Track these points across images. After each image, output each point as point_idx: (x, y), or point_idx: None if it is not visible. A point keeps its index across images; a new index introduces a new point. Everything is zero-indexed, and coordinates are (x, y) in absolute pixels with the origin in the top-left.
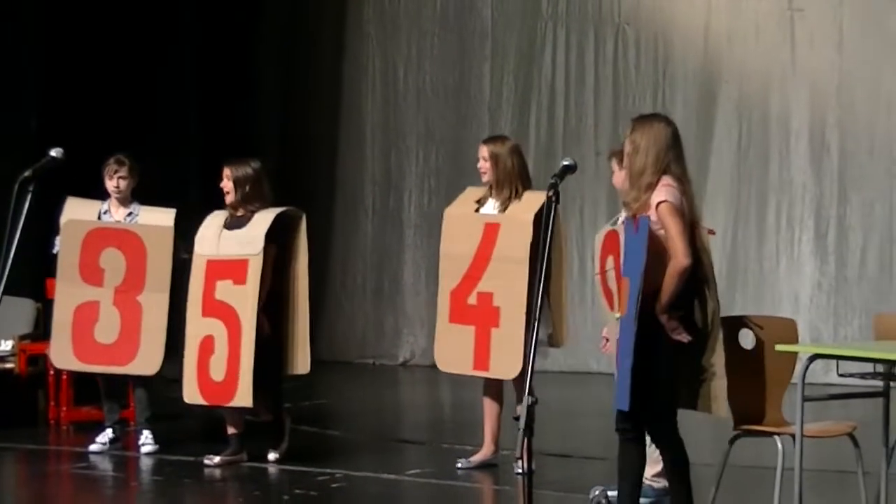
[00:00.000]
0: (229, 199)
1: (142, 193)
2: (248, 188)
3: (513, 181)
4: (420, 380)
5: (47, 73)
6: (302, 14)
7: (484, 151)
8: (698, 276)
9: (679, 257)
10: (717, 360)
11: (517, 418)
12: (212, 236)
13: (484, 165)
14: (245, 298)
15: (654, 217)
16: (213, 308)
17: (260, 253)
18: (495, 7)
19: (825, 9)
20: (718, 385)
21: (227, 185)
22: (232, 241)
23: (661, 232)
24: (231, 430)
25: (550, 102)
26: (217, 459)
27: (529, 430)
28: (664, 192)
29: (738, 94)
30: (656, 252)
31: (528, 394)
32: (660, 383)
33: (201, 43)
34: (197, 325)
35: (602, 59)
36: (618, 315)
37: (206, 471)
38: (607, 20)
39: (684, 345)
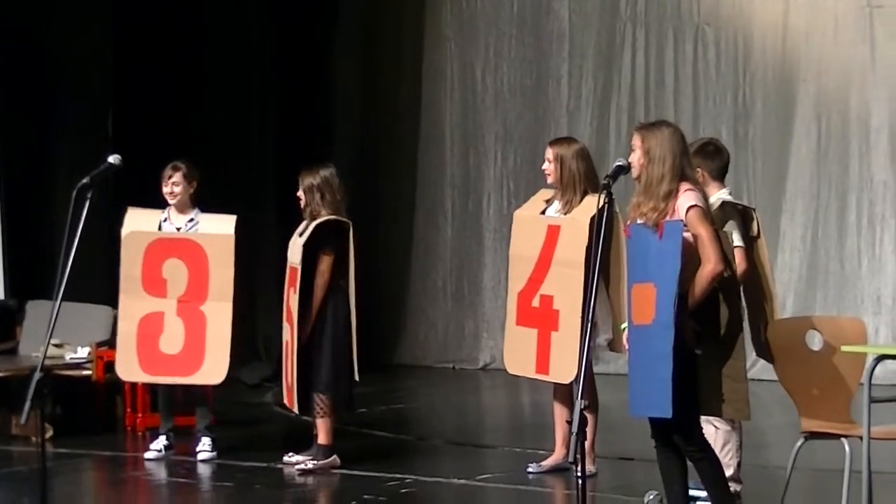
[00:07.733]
0: (302, 205)
1: (217, 199)
2: (317, 196)
3: (577, 184)
4: (500, 384)
5: (121, 79)
6: (380, 17)
7: (549, 153)
8: (720, 283)
9: (714, 262)
10: (736, 364)
11: (570, 422)
12: (291, 244)
13: (549, 167)
14: (295, 305)
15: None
16: (288, 313)
17: (299, 263)
18: (573, 8)
19: None
20: (739, 388)
21: (300, 193)
22: (295, 248)
23: (687, 236)
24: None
25: (630, 104)
26: (294, 458)
27: (582, 433)
28: (692, 197)
29: (817, 92)
30: (689, 257)
31: (580, 397)
32: (685, 389)
33: (278, 48)
34: (284, 330)
35: (682, 59)
36: (625, 324)
37: (279, 475)
38: (686, 20)
39: (705, 350)
